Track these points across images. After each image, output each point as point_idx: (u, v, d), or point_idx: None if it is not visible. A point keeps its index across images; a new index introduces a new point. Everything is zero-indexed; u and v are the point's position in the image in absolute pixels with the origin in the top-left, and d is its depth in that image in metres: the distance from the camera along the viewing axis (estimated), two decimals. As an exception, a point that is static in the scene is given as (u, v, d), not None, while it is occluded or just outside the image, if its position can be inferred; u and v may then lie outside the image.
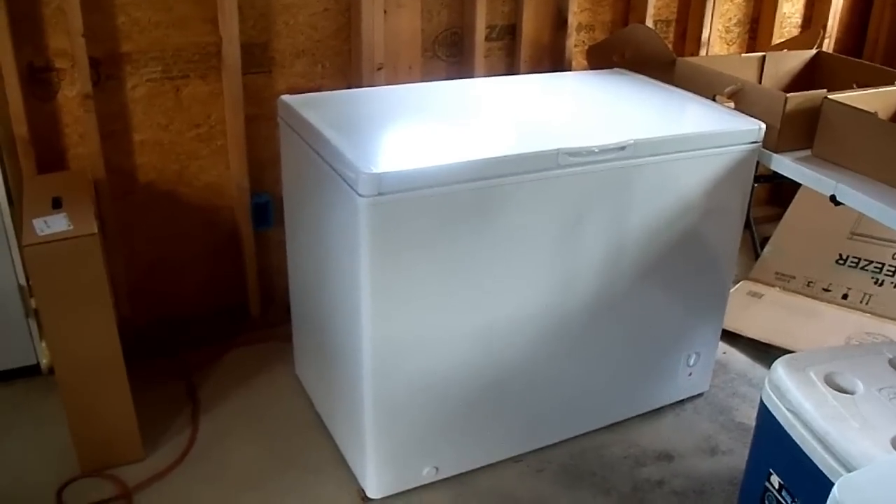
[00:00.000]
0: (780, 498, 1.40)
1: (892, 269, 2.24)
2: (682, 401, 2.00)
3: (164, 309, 2.15)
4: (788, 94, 1.76)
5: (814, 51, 2.23)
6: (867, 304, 2.24)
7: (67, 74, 1.86)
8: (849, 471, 1.21)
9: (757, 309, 2.29)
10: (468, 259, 1.52)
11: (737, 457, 1.83)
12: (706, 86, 1.95)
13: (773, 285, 2.37)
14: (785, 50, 2.28)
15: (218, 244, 2.17)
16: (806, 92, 1.79)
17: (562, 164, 1.53)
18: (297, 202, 1.78)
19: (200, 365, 2.08)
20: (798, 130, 1.80)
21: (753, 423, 1.93)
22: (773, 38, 2.60)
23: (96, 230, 1.58)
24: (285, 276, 2.23)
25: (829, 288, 2.30)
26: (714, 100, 1.92)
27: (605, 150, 1.57)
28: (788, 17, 2.66)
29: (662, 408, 1.97)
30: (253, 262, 2.17)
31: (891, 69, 2.09)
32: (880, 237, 2.28)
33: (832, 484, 1.27)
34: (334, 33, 2.09)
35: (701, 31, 2.47)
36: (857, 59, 2.22)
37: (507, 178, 1.49)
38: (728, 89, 1.88)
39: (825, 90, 1.81)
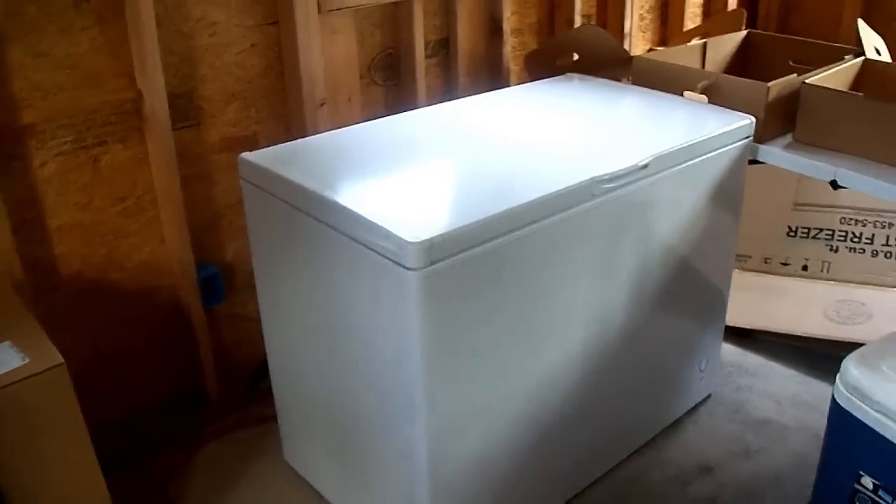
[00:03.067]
0: (876, 498, 1.36)
1: (843, 233, 2.30)
2: (695, 407, 1.95)
3: (112, 411, 1.82)
4: (769, 84, 1.73)
5: (745, 31, 2.24)
6: (827, 272, 2.29)
7: (-44, 162, 1.51)
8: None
9: (726, 295, 2.28)
10: (515, 313, 1.37)
11: (770, 455, 1.81)
12: (671, 82, 1.88)
13: (731, 267, 2.38)
14: (700, 38, 2.26)
15: (162, 329, 1.86)
16: (783, 79, 1.76)
17: (595, 194, 1.40)
18: (280, 275, 1.54)
19: (173, 472, 1.78)
20: (778, 118, 1.78)
21: (771, 417, 1.94)
22: (684, 21, 2.61)
23: (62, 359, 1.28)
24: (242, 353, 1.98)
25: (788, 262, 2.34)
26: (682, 96, 1.86)
27: (631, 172, 1.46)
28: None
29: (679, 419, 1.91)
30: (207, 343, 1.88)
31: (821, 42, 2.13)
32: (823, 204, 2.34)
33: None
34: (265, 71, 1.84)
35: (623, 23, 2.41)
36: (786, 36, 2.25)
37: (545, 220, 1.34)
38: (701, 84, 1.83)
39: (796, 74, 1.80)
